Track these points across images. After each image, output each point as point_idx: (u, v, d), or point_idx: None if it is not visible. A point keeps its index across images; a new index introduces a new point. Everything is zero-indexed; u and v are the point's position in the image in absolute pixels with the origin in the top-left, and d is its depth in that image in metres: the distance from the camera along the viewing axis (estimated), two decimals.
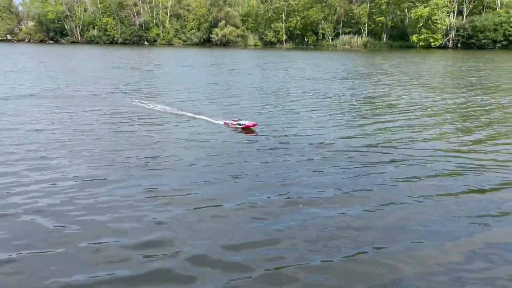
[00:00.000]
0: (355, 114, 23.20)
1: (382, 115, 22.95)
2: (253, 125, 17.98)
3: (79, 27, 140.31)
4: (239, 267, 8.01)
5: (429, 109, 24.59)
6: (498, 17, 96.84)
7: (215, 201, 11.00)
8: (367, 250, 8.69)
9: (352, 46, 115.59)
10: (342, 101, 27.47)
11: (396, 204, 10.88)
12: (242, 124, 18.10)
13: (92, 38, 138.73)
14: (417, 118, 22.00)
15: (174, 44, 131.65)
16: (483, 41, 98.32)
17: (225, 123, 19.16)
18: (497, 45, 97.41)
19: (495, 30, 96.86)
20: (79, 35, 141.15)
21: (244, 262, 8.16)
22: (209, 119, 20.79)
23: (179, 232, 9.37)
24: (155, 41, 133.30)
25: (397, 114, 23.13)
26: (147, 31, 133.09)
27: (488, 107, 25.08)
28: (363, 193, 11.60)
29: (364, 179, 12.68)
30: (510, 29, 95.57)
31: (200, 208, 10.59)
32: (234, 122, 18.55)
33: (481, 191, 11.76)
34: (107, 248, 8.73)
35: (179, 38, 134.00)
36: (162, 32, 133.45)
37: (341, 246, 8.79)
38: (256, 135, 17.48)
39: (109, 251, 8.63)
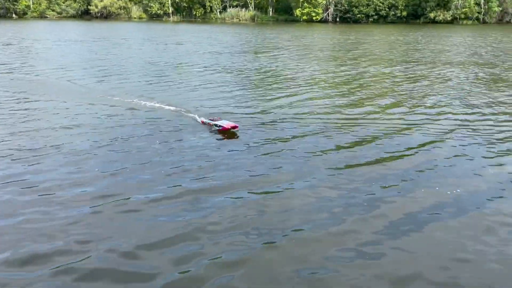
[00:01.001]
0: (258, 89, 23.51)
1: (283, 88, 23.60)
2: (233, 127, 14.83)
3: None
4: (139, 275, 7.11)
5: (326, 81, 25.95)
6: None
7: (114, 196, 9.87)
8: (278, 238, 8.28)
9: (240, 20, 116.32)
10: (243, 75, 27.62)
11: (301, 182, 11.12)
12: (219, 126, 14.97)
13: None
14: (318, 90, 23.08)
15: (47, 17, 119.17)
16: (358, 15, 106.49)
17: (202, 122, 15.96)
18: (370, 20, 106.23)
19: (368, 5, 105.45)
20: None
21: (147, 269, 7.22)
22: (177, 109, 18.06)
23: (79, 233, 8.29)
24: (25, 13, 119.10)
25: (296, 87, 23.98)
26: (15, 3, 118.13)
27: (375, 77, 27.30)
28: (268, 176, 11.33)
29: (266, 159, 12.48)
30: (380, 4, 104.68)
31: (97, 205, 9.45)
32: (212, 122, 15.47)
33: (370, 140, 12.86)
34: None
35: (53, 10, 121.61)
36: (33, 3, 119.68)
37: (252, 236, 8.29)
38: (237, 137, 14.41)
39: None
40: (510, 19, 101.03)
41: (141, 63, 33.36)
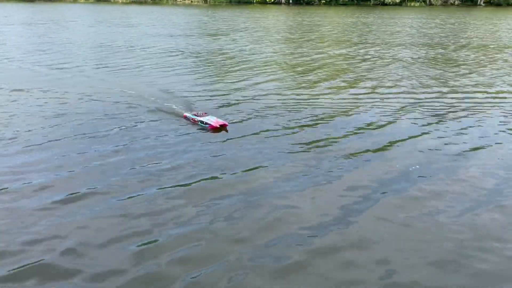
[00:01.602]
0: (217, 71, 23.49)
1: (241, 70, 23.66)
2: (223, 125, 13.70)
3: None
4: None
5: (283, 63, 26.29)
6: None
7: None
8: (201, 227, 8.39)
9: (192, 1, 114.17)
10: (201, 58, 27.41)
11: (258, 161, 11.47)
12: (206, 123, 13.79)
13: None
14: (275, 71, 23.38)
15: None
16: None
17: (185, 116, 14.73)
18: (322, 1, 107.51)
19: None
20: None
21: None
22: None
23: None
24: None
25: (255, 69, 24.15)
26: None
27: (331, 58, 27.94)
28: (228, 158, 11.78)
29: (224, 142, 12.69)
30: None
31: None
32: (197, 118, 14.17)
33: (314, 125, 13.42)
34: None
35: None
36: None
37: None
38: (227, 132, 13.46)
39: None
40: (454, 1, 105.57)
41: (94, 46, 32.21)
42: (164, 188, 9.42)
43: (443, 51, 31.59)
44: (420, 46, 34.29)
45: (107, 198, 8.93)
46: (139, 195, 9.10)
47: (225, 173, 10.26)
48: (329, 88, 19.49)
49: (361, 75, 22.42)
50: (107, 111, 15.18)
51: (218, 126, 13.56)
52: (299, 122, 14.39)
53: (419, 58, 28.41)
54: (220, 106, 16.15)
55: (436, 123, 14.55)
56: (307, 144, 12.34)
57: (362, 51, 31.34)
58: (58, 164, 10.62)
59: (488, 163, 11.21)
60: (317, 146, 12.25)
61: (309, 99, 17.46)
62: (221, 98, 17.43)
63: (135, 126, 13.73)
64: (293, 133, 13.38)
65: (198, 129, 13.54)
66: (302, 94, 18.19)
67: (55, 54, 28.15)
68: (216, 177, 10.03)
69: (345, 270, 6.85)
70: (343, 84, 20.44)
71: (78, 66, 24.02)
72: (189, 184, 9.64)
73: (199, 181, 9.80)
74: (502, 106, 16.61)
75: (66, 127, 13.43)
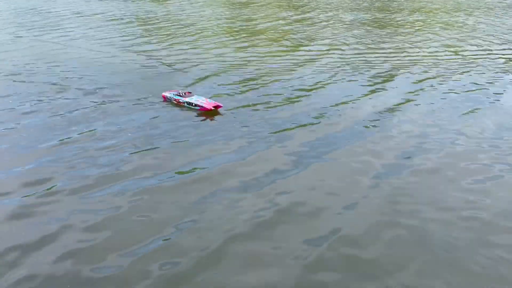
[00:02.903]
0: (155, 36, 23.11)
1: (182, 35, 23.46)
2: (217, 107, 12.36)
3: None
4: None
5: (222, 27, 26.27)
6: None
7: None
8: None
9: None
10: (137, 23, 26.69)
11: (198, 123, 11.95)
12: (196, 105, 12.44)
13: None
14: (216, 35, 23.49)
15: None
16: None
17: (164, 97, 13.17)
18: None
19: None
20: None
21: None
22: None
23: None
24: None
25: (195, 34, 23.98)
26: None
27: (270, 22, 28.09)
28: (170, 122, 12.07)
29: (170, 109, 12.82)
30: None
31: None
32: (182, 99, 12.69)
33: None
34: None
35: None
36: None
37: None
38: (221, 116, 12.37)
39: None
40: None
41: (21, 13, 30.29)
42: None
43: (379, 14, 32.66)
44: (357, 9, 35.17)
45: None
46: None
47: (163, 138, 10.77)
48: (269, 52, 20.00)
49: (299, 38, 23.16)
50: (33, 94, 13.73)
51: (212, 108, 12.10)
52: (241, 83, 15.06)
53: (356, 20, 29.27)
54: (169, 72, 16.39)
55: (367, 83, 15.60)
56: (248, 106, 12.89)
57: (301, 15, 31.85)
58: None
59: (414, 118, 12.42)
60: (256, 106, 12.92)
61: (247, 60, 18.11)
62: (166, 64, 17.49)
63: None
64: (235, 93, 14.05)
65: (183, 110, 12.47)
66: (240, 56, 18.77)
67: None
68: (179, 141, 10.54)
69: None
70: (284, 47, 21.10)
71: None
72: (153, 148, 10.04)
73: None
74: (437, 65, 18.11)
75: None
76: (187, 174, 9.01)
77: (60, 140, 10.46)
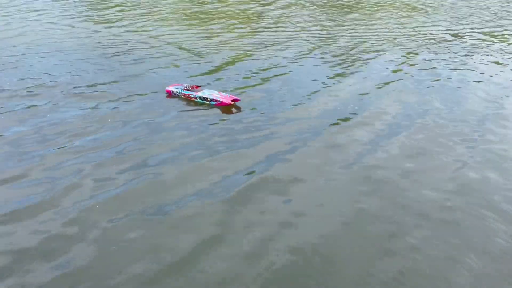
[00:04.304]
0: (105, 25, 21.87)
1: (133, 19, 22.94)
2: (234, 100, 11.66)
3: None
4: None
5: (188, 11, 25.79)
6: None
7: None
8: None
9: None
10: (95, 8, 25.68)
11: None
12: (211, 100, 11.60)
13: None
14: (174, 20, 23.18)
15: None
16: None
17: (169, 91, 12.23)
18: None
19: None
20: None
21: None
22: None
23: None
24: None
25: (153, 18, 23.55)
26: None
27: (237, 9, 27.84)
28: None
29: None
30: None
31: None
32: (194, 94, 11.83)
33: None
34: None
35: None
36: None
37: None
38: (239, 111, 11.71)
39: None
40: None
41: None
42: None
43: None
44: None
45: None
46: None
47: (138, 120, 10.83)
48: (233, 34, 20.00)
49: (265, 19, 23.16)
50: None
51: (231, 102, 11.53)
52: (207, 67, 15.22)
53: (323, 2, 29.16)
54: (126, 59, 16.12)
55: (335, 65, 16.01)
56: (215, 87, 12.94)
57: None
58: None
59: (386, 103, 12.99)
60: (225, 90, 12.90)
61: (214, 44, 18.03)
62: (124, 49, 17.16)
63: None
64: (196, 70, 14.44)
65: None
66: (203, 42, 18.51)
67: None
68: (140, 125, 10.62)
69: None
70: (247, 30, 21.03)
71: None
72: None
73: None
74: (401, 48, 18.75)
75: None
76: None
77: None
